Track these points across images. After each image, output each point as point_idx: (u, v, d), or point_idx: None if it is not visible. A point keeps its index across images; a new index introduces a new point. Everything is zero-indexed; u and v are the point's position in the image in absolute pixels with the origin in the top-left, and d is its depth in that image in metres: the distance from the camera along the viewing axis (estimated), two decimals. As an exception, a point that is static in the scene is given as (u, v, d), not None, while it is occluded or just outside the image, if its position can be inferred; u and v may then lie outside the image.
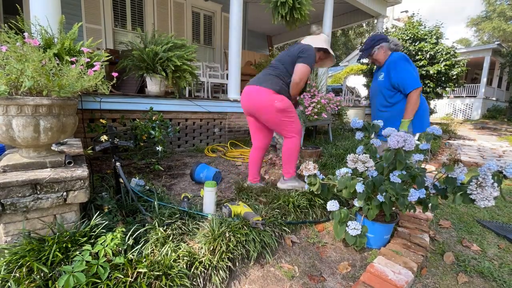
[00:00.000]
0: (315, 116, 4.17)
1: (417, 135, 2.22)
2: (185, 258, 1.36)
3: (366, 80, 7.94)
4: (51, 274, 1.12)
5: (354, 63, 14.48)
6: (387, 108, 2.34)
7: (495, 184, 1.34)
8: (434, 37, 6.44)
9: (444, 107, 13.70)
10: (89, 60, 1.52)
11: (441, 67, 6.25)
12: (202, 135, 4.12)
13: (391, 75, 2.18)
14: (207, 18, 7.52)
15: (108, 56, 2.36)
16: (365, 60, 7.76)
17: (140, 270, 1.20)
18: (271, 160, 3.37)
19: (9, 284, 1.06)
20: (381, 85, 2.31)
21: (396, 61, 2.16)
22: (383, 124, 1.86)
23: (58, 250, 1.19)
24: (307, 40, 2.18)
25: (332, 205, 1.68)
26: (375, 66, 2.48)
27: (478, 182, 1.36)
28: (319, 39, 2.16)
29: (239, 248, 1.50)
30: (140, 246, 1.38)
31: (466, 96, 13.59)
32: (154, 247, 1.40)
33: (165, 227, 1.55)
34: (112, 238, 1.28)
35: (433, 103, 7.49)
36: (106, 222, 1.43)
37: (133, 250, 1.34)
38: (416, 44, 6.48)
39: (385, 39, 2.24)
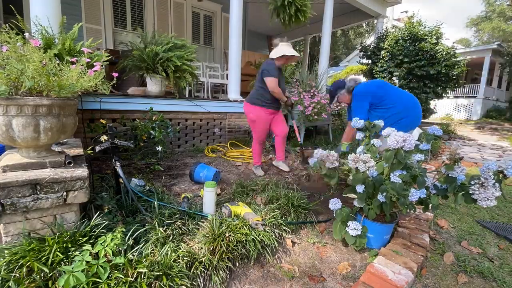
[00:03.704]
0: (315, 116, 4.17)
1: (417, 135, 2.23)
2: (185, 258, 1.36)
3: (366, 80, 7.93)
4: (51, 274, 1.12)
5: (354, 63, 14.46)
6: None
7: (497, 184, 1.34)
8: (434, 37, 6.44)
9: (444, 107, 13.68)
10: (89, 60, 1.52)
11: (441, 67, 6.25)
12: (202, 135, 4.11)
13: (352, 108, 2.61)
14: (207, 18, 7.52)
15: (108, 56, 2.36)
16: (364, 60, 7.79)
17: (140, 270, 1.20)
18: (271, 159, 3.41)
19: (9, 284, 1.06)
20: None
21: (353, 99, 2.57)
22: None
23: (58, 250, 1.19)
24: (271, 54, 2.65)
25: (335, 204, 1.68)
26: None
27: (480, 182, 1.36)
28: (276, 51, 2.61)
29: (239, 248, 1.50)
30: (140, 246, 1.38)
31: (466, 96, 13.57)
32: (154, 247, 1.40)
33: (165, 227, 1.56)
34: (112, 238, 1.28)
35: (433, 103, 7.47)
36: (106, 222, 1.43)
37: (133, 250, 1.34)
38: (416, 44, 6.48)
39: (341, 87, 2.62)
